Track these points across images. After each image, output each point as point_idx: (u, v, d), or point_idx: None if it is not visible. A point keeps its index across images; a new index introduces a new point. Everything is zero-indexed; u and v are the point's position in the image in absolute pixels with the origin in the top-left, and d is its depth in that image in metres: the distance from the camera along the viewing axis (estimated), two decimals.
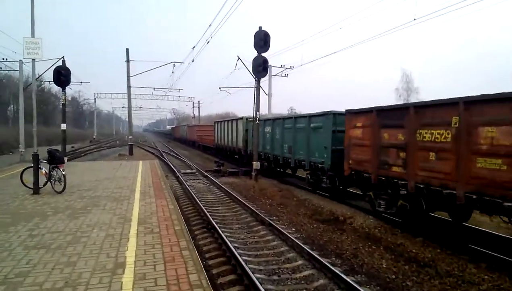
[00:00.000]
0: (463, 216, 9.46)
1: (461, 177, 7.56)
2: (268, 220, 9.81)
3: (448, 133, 7.93)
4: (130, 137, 33.85)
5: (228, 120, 27.61)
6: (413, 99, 53.86)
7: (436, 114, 8.30)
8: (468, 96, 7.53)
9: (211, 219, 9.70)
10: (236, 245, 8.03)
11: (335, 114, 13.25)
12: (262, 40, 16.23)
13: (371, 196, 10.92)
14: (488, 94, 7.16)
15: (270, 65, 35.46)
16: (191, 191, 14.07)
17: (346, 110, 11.92)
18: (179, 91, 46.98)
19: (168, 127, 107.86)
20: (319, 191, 14.81)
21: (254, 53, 16.57)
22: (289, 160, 16.50)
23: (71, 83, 41.33)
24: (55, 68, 17.80)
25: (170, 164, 24.08)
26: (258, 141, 17.90)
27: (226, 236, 8.31)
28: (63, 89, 18.39)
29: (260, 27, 16.42)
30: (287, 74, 32.73)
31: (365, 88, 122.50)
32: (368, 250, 8.22)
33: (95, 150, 41.31)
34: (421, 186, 8.64)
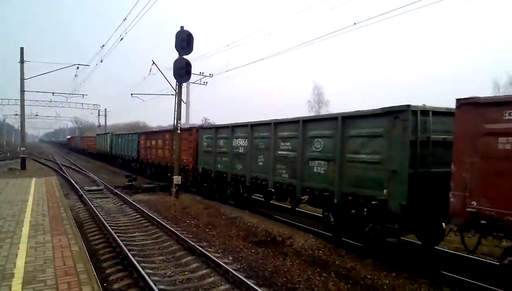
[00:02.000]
0: None
1: None
2: (199, 248, 8.14)
3: None
4: (22, 148, 29.03)
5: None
6: (323, 111, 56.29)
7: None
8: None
9: (127, 252, 7.72)
10: (162, 287, 6.25)
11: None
12: (184, 41, 14.56)
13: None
14: None
15: None
16: (98, 213, 11.71)
17: None
18: (83, 97, 42.00)
19: (69, 137, 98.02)
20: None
21: (170, 59, 14.83)
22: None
23: None
24: None
25: (71, 179, 20.77)
26: (180, 154, 16.00)
27: (148, 275, 6.49)
28: None
29: (182, 27, 14.74)
30: (206, 82, 31.18)
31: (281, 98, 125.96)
32: (321, 278, 7.07)
33: None
34: None
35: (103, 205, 14.40)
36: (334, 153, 9.14)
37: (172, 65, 14.99)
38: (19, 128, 37.78)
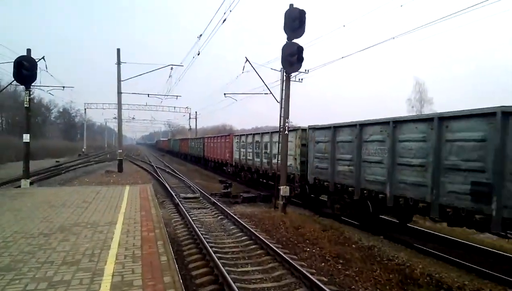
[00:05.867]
0: None
1: None
2: None
3: None
4: (119, 151, 29.09)
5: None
6: (426, 110, 50.07)
7: None
8: None
9: None
10: None
11: None
12: (296, 20, 11.91)
13: None
14: None
15: (282, 68, 31.42)
16: (197, 231, 9.57)
17: None
18: (176, 98, 41.88)
19: (164, 139, 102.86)
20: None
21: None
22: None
23: (52, 88, 37.03)
24: (16, 59, 13.31)
25: (167, 185, 19.48)
26: (286, 159, 13.38)
27: None
28: (27, 88, 13.81)
29: (291, 5, 12.14)
30: (302, 79, 28.41)
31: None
32: None
33: (81, 165, 36.51)
34: None
35: (202, 218, 12.38)
36: None
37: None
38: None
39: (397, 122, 9.43)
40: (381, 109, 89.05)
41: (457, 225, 8.25)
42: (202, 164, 35.96)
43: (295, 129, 15.60)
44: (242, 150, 22.76)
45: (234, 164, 24.51)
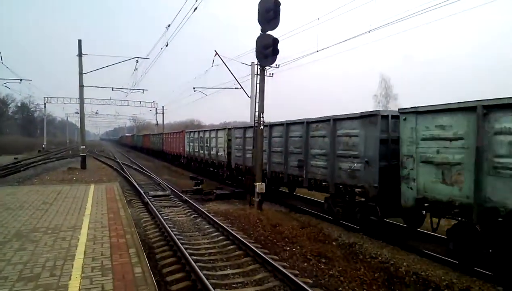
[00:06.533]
0: None
1: None
2: None
3: None
4: (82, 147, 27.67)
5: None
6: (392, 106, 51.21)
7: None
8: None
9: None
10: None
11: None
12: (270, 11, 11.46)
13: None
14: None
15: (253, 62, 30.87)
16: (170, 232, 8.98)
17: None
18: (143, 92, 40.40)
19: (128, 135, 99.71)
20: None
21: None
22: None
23: (8, 81, 34.74)
24: None
25: (134, 182, 18.60)
26: (262, 155, 12.96)
27: None
28: None
29: None
30: (272, 74, 28.05)
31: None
32: None
33: (41, 162, 34.54)
34: None
35: (174, 217, 11.77)
36: None
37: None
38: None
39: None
40: (349, 102, 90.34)
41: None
42: (162, 157, 39.74)
43: (224, 129, 20.48)
44: (191, 144, 26.95)
45: (185, 156, 28.74)
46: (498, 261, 6.50)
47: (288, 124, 13.26)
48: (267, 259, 7.23)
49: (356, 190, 9.95)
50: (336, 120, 10.69)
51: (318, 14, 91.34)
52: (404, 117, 8.26)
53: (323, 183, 11.34)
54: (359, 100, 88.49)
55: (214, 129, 22.04)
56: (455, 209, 7.17)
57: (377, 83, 64.01)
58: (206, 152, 23.15)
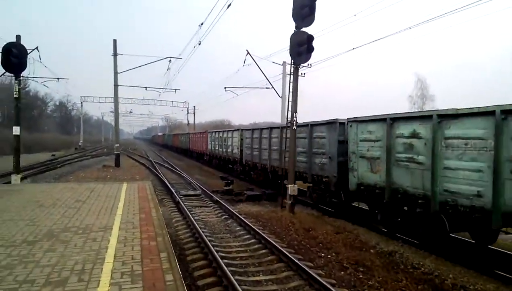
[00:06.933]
0: None
1: None
2: None
3: None
4: (116, 145, 28.21)
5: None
6: (428, 107, 49.29)
7: None
8: None
9: None
10: None
11: None
12: (306, 7, 11.05)
13: None
14: None
15: (284, 62, 30.45)
16: (202, 234, 8.78)
17: None
18: (175, 92, 40.70)
19: (160, 134, 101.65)
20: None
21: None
22: None
23: (46, 80, 35.87)
24: (3, 46, 12.38)
25: (166, 181, 18.67)
26: (295, 156, 12.59)
27: None
28: (17, 77, 12.85)
29: None
30: (304, 74, 27.51)
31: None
32: None
33: (77, 159, 35.64)
34: None
35: (204, 217, 11.60)
36: None
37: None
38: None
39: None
40: (383, 106, 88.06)
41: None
42: (189, 155, 42.87)
43: (237, 130, 23.50)
44: (212, 143, 29.79)
45: (208, 153, 31.79)
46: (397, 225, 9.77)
47: (282, 128, 15.15)
48: (302, 266, 6.87)
49: (323, 179, 12.51)
50: (312, 125, 13.38)
51: (354, 10, 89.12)
52: (350, 125, 11.14)
53: (304, 174, 13.90)
54: (397, 100, 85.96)
55: (230, 130, 25.32)
56: (377, 190, 9.98)
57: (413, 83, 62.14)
58: (224, 150, 25.92)
